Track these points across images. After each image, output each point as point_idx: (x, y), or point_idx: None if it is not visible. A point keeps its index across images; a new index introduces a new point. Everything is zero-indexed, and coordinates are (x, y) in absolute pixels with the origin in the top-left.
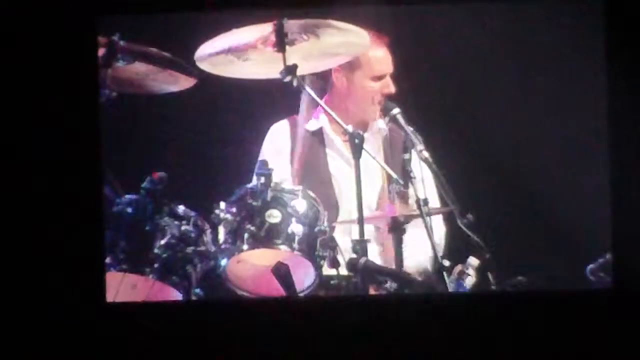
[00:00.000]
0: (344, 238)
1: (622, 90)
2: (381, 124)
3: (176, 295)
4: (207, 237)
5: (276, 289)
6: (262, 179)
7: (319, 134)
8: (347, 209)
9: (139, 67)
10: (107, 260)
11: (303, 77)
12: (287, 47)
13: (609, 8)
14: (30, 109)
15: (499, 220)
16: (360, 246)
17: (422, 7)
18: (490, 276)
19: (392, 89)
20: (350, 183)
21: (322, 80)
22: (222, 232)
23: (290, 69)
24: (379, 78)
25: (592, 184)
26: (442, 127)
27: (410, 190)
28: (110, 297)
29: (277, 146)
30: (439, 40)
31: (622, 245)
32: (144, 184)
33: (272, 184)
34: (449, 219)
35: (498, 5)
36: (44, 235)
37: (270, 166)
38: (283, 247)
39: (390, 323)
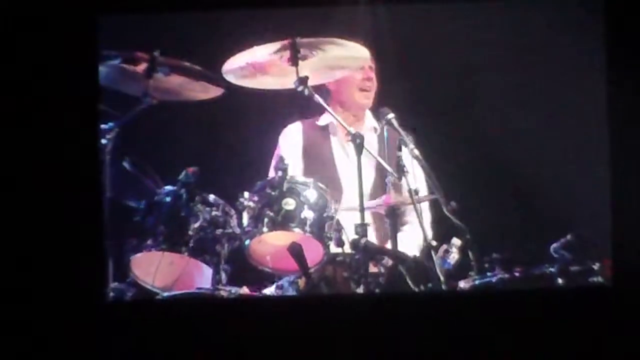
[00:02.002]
0: (348, 222)
1: (622, 90)
2: (373, 122)
3: (207, 271)
4: (233, 221)
5: (291, 265)
6: (280, 173)
7: (326, 128)
8: (351, 197)
9: (176, 79)
10: (149, 242)
11: (312, 87)
12: (300, 62)
13: (609, 8)
14: (30, 108)
15: (478, 207)
16: (361, 229)
17: (419, 6)
18: (470, 254)
19: (371, 74)
20: (350, 170)
21: (319, 90)
22: (245, 217)
23: (302, 80)
24: (360, 68)
25: (575, 174)
26: (431, 129)
27: (403, 182)
28: (151, 272)
29: (292, 141)
30: (434, 41)
31: (622, 245)
32: (180, 177)
33: (287, 177)
34: (436, 206)
35: (498, 5)
36: (45, 235)
37: (286, 162)
38: (297, 230)
39: (390, 323)
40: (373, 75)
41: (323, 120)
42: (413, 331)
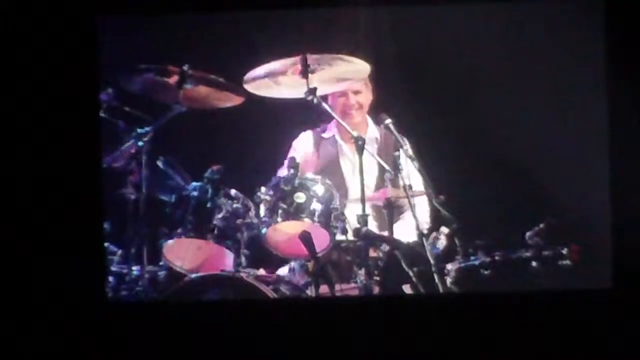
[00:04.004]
0: (351, 213)
1: (622, 90)
2: (375, 132)
3: (229, 255)
4: (252, 212)
5: (302, 250)
6: (292, 170)
7: (332, 139)
8: (353, 191)
9: (203, 89)
10: (179, 230)
11: (320, 96)
12: (309, 75)
13: (609, 8)
14: (30, 108)
15: (464, 200)
16: (362, 219)
17: (417, 8)
18: (456, 240)
19: (364, 98)
20: (354, 174)
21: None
22: (262, 208)
23: (312, 91)
24: (356, 92)
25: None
26: (423, 130)
27: (399, 179)
28: (181, 256)
29: (303, 146)
30: (433, 42)
31: (622, 246)
32: (206, 174)
33: (299, 174)
34: (427, 199)
35: (498, 5)
36: (45, 235)
37: (297, 161)
38: (307, 220)
39: (390, 323)
40: (358, 99)
41: (327, 133)
42: (412, 332)
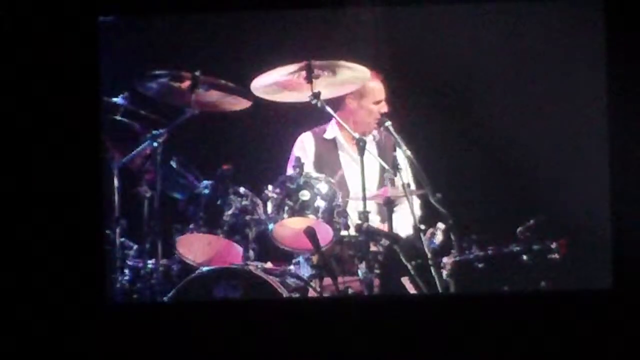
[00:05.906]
0: (353, 210)
1: (622, 90)
2: (375, 133)
3: (238, 249)
4: (260, 209)
5: (307, 244)
6: (297, 170)
7: (333, 141)
8: (355, 190)
9: (214, 94)
10: (191, 226)
11: (325, 100)
12: (314, 80)
13: (609, 8)
14: (31, 109)
15: (459, 198)
16: (364, 215)
17: (417, 9)
18: (452, 236)
19: (386, 109)
20: (355, 173)
21: (335, 103)
22: (270, 205)
23: (316, 95)
24: (378, 102)
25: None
26: (421, 131)
27: (398, 178)
28: (192, 251)
29: (305, 147)
30: (432, 43)
31: (622, 245)
32: (217, 173)
33: (303, 173)
34: (424, 197)
35: (498, 6)
36: (45, 237)
37: (302, 161)
38: (311, 216)
39: (391, 323)
40: (380, 110)
41: (329, 134)
42: (413, 332)
